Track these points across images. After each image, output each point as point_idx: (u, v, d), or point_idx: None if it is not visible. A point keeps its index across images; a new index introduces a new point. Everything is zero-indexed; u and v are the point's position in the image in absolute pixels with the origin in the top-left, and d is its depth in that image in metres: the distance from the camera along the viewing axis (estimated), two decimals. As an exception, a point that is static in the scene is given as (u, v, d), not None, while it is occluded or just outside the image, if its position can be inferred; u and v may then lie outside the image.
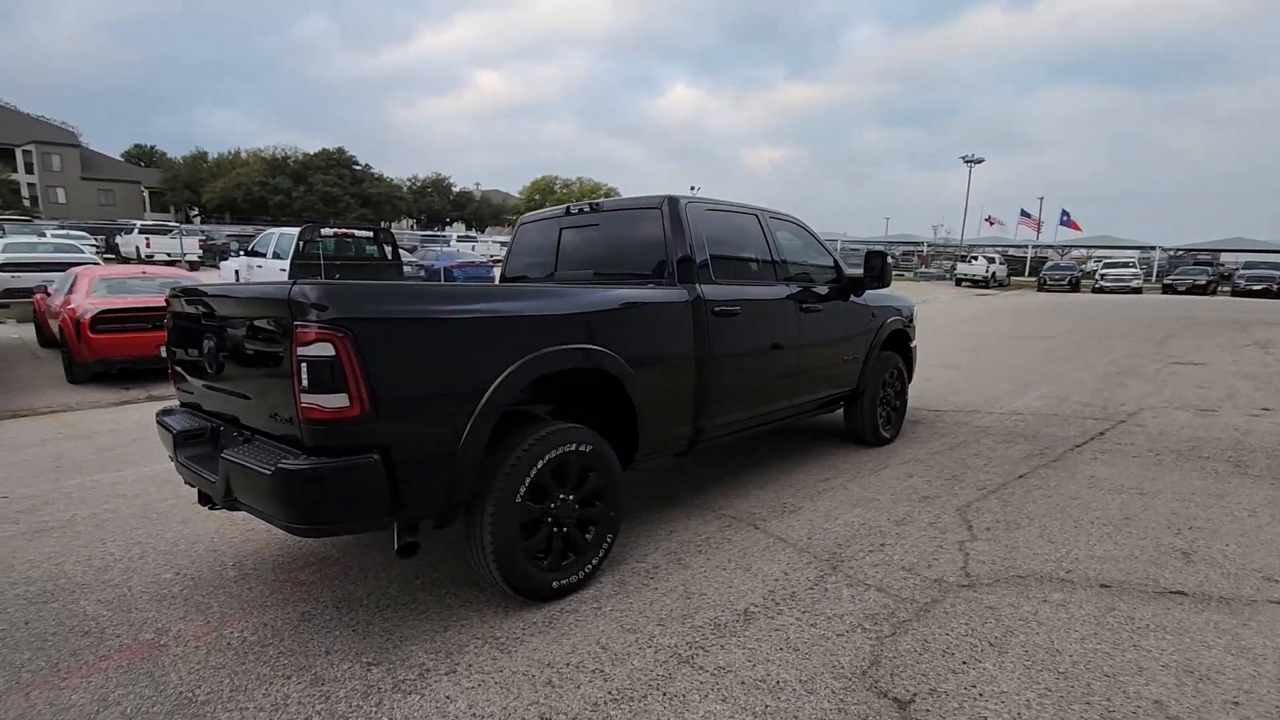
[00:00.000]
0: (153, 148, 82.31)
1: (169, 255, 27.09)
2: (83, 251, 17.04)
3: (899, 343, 6.21)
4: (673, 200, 4.11)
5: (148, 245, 28.01)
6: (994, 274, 36.74)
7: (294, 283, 2.44)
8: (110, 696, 2.49)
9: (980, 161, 46.10)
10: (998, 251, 42.16)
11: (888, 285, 5.42)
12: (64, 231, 28.56)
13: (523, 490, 2.95)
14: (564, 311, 3.22)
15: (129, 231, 30.62)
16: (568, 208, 4.70)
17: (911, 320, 6.31)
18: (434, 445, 2.66)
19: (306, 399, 2.39)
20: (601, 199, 4.66)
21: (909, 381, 6.40)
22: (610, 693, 2.49)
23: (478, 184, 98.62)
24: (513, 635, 2.90)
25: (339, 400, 2.39)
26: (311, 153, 62.54)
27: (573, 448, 3.17)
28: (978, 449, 5.77)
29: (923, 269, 45.29)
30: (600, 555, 3.36)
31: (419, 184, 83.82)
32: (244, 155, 69.63)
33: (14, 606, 3.18)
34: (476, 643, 2.84)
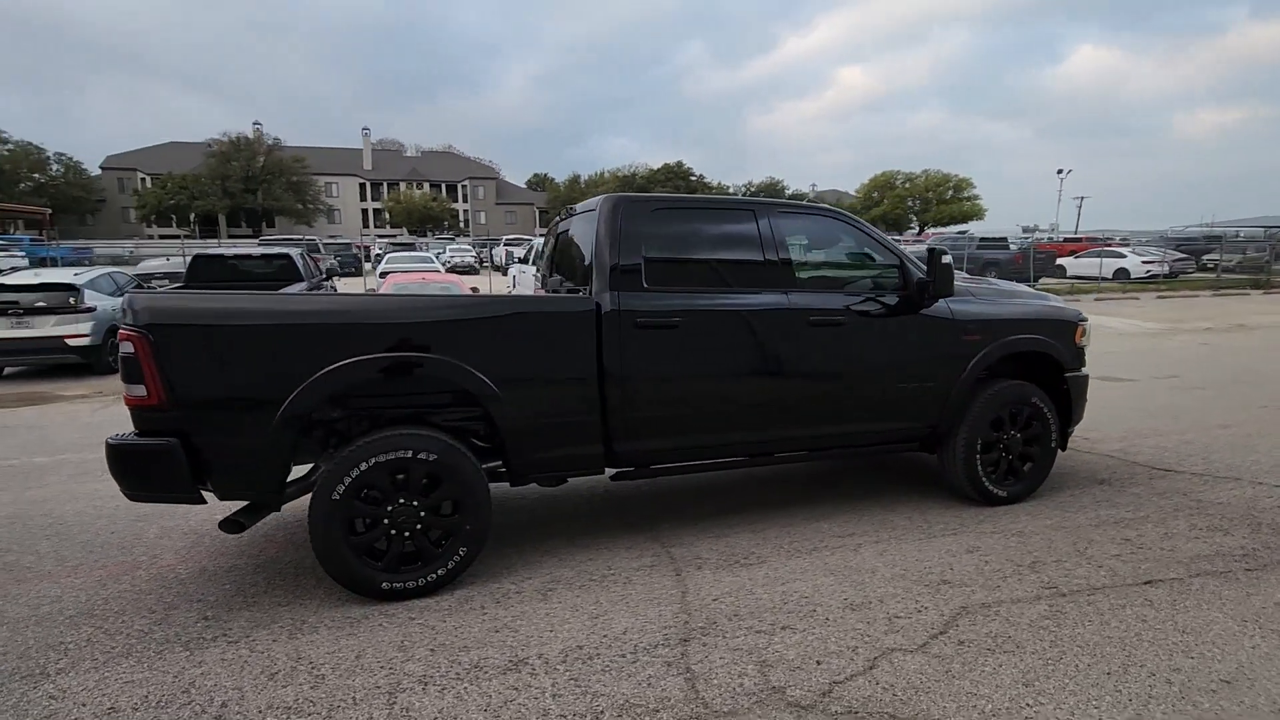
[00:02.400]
0: (546, 174, 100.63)
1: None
2: (432, 260, 22.05)
3: (1039, 371, 4.60)
4: (610, 200, 3.76)
5: (505, 254, 34.86)
6: None
7: (130, 291, 2.99)
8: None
9: None
10: None
11: (947, 292, 4.07)
12: (456, 245, 37.11)
13: (341, 489, 3.09)
14: (392, 321, 3.24)
15: (498, 244, 38.59)
16: (562, 210, 4.60)
17: (1070, 339, 4.59)
18: (235, 438, 2.98)
19: (125, 389, 2.91)
20: (577, 204, 4.43)
21: (1071, 424, 4.68)
22: (292, 704, 2.51)
23: (813, 185, 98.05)
24: (313, 623, 3.07)
25: (140, 390, 2.87)
26: (655, 167, 69.56)
27: (410, 454, 3.19)
28: (1142, 530, 3.98)
29: None
30: (450, 566, 3.31)
31: (752, 189, 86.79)
32: (606, 175, 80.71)
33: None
34: (285, 621, 3.09)
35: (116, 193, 67.23)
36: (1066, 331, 4.57)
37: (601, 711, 2.41)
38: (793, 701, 2.45)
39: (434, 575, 3.29)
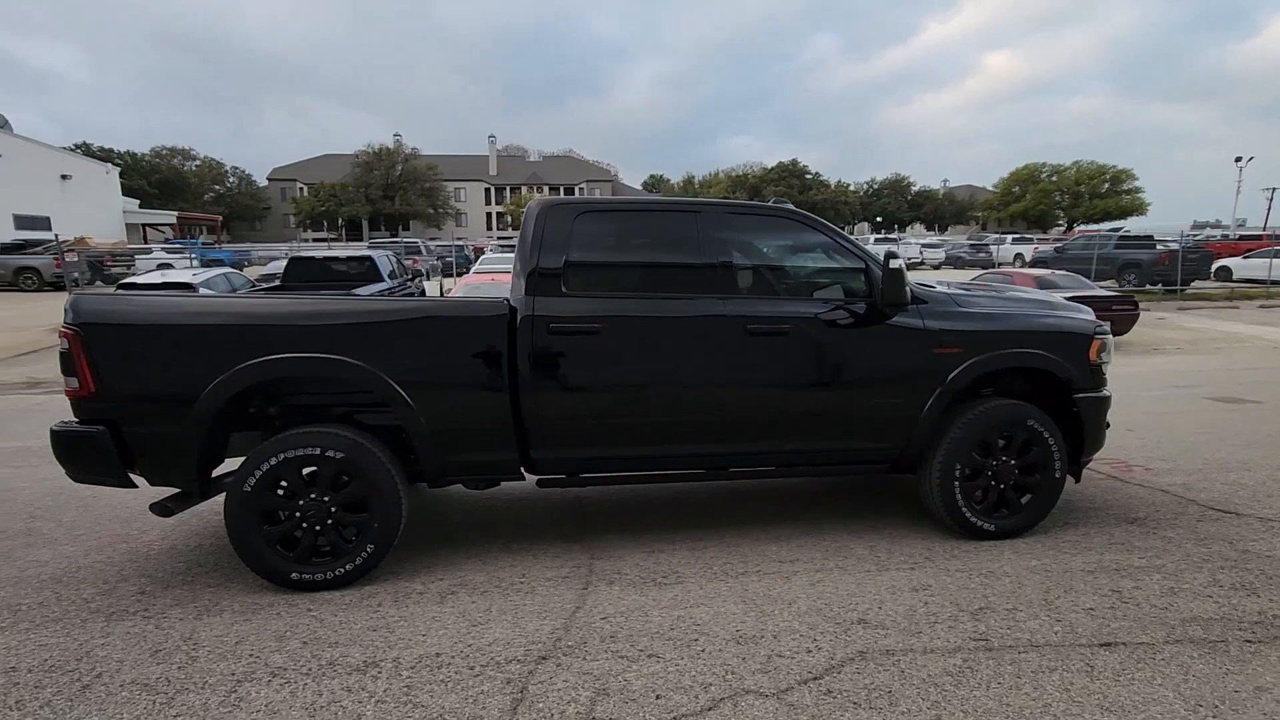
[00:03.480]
0: (662, 176, 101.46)
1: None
2: None
3: (1040, 390, 4.05)
4: (538, 204, 3.71)
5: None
6: None
7: (75, 293, 3.32)
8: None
9: None
10: None
11: (895, 300, 3.63)
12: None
13: (253, 481, 3.27)
14: (298, 324, 3.35)
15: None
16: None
17: (1081, 355, 3.99)
18: (156, 429, 3.24)
19: (64, 381, 3.24)
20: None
21: (1085, 452, 4.09)
22: (152, 682, 2.68)
23: (944, 181, 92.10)
24: (223, 606, 3.27)
25: (73, 382, 3.18)
26: (769, 166, 68.19)
27: (319, 451, 3.32)
28: (1143, 582, 3.40)
29: None
30: (357, 562, 3.41)
31: (875, 186, 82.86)
32: (721, 175, 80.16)
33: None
34: (202, 602, 3.31)
35: (279, 200, 75.21)
36: (1074, 347, 3.98)
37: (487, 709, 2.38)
38: (603, 736, 2.31)
39: (342, 570, 3.40)
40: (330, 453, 3.33)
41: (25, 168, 31.85)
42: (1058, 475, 3.97)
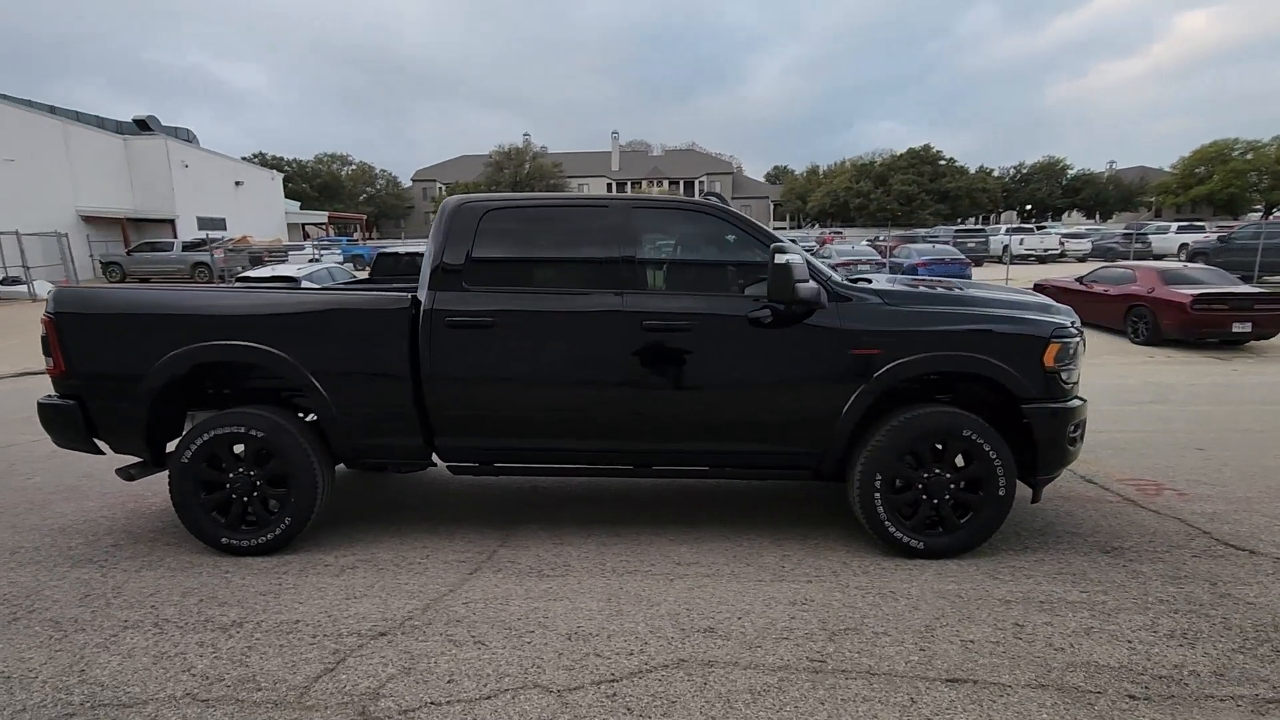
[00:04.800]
0: (785, 166, 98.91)
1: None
2: None
3: (989, 398, 3.67)
4: (449, 201, 3.86)
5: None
6: None
7: (55, 286, 3.88)
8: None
9: None
10: None
11: (780, 298, 3.38)
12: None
13: (189, 454, 3.70)
14: (226, 314, 3.70)
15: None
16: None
17: (1032, 360, 3.55)
18: (113, 404, 3.73)
19: (45, 361, 3.81)
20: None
21: (1042, 469, 3.66)
22: (60, 619, 3.13)
23: (1111, 163, 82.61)
24: (166, 563, 3.71)
25: (50, 362, 3.74)
26: (899, 153, 64.39)
27: (244, 430, 3.69)
28: (1061, 619, 3.02)
29: None
30: (276, 533, 3.74)
31: (1024, 171, 75.81)
32: (847, 164, 76.80)
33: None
34: (153, 557, 3.78)
35: (421, 200, 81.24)
36: (1023, 351, 3.55)
37: (219, 679, 2.63)
38: (374, 716, 2.43)
39: (263, 539, 3.75)
40: (253, 432, 3.69)
41: (207, 176, 36.69)
42: (1001, 493, 3.58)
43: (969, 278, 19.71)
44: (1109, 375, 9.43)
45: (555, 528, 4.15)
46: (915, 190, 59.81)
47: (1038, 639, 2.86)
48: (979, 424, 3.54)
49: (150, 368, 3.66)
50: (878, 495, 3.61)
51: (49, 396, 3.85)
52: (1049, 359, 3.55)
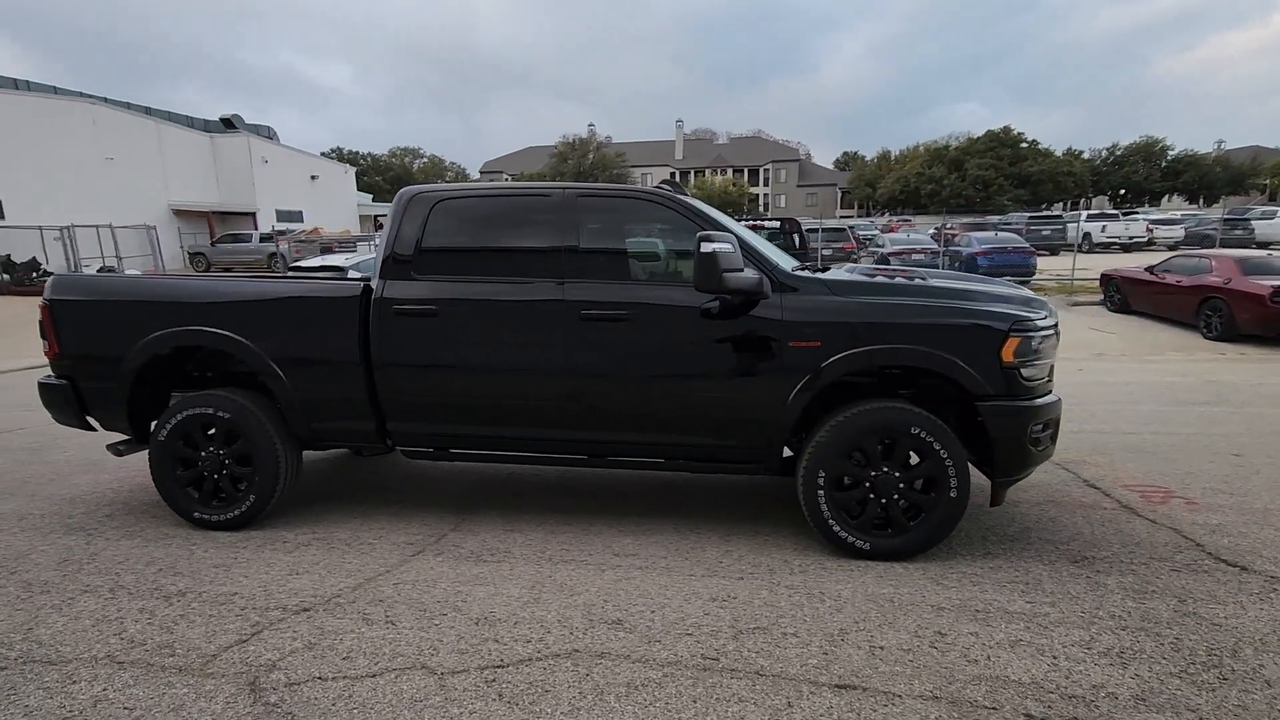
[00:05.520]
0: (855, 152, 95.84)
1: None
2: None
3: (945, 393, 3.50)
4: (402, 193, 3.94)
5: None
6: None
7: (53, 275, 4.19)
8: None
9: None
10: None
11: (705, 287, 3.27)
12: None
13: (165, 432, 3.94)
14: (195, 301, 3.90)
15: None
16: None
17: (988, 353, 3.33)
18: (98, 384, 4.01)
19: (43, 344, 4.13)
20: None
21: (1000, 472, 3.45)
22: (34, 582, 3.40)
23: (1218, 143, 76.24)
24: (146, 533, 3.97)
25: (46, 345, 4.05)
26: (975, 136, 61.29)
27: (213, 412, 3.91)
28: (990, 630, 2.85)
29: None
30: (243, 509, 3.95)
31: (1118, 152, 70.78)
32: (920, 149, 73.75)
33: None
34: (137, 528, 4.06)
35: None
36: (975, 343, 3.33)
37: (142, 643, 2.80)
38: (263, 689, 2.54)
39: (230, 515, 3.96)
40: (220, 414, 3.90)
41: (285, 171, 38.70)
42: (953, 494, 3.39)
43: (1032, 267, 18.64)
44: (1165, 373, 8.77)
45: (511, 514, 4.21)
46: (993, 175, 56.80)
47: (955, 649, 2.70)
48: (929, 421, 3.36)
49: (129, 350, 3.92)
50: (821, 492, 3.49)
51: (47, 377, 4.18)
52: (1007, 353, 3.32)
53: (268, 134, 40.64)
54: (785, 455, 3.72)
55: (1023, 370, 3.36)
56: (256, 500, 3.95)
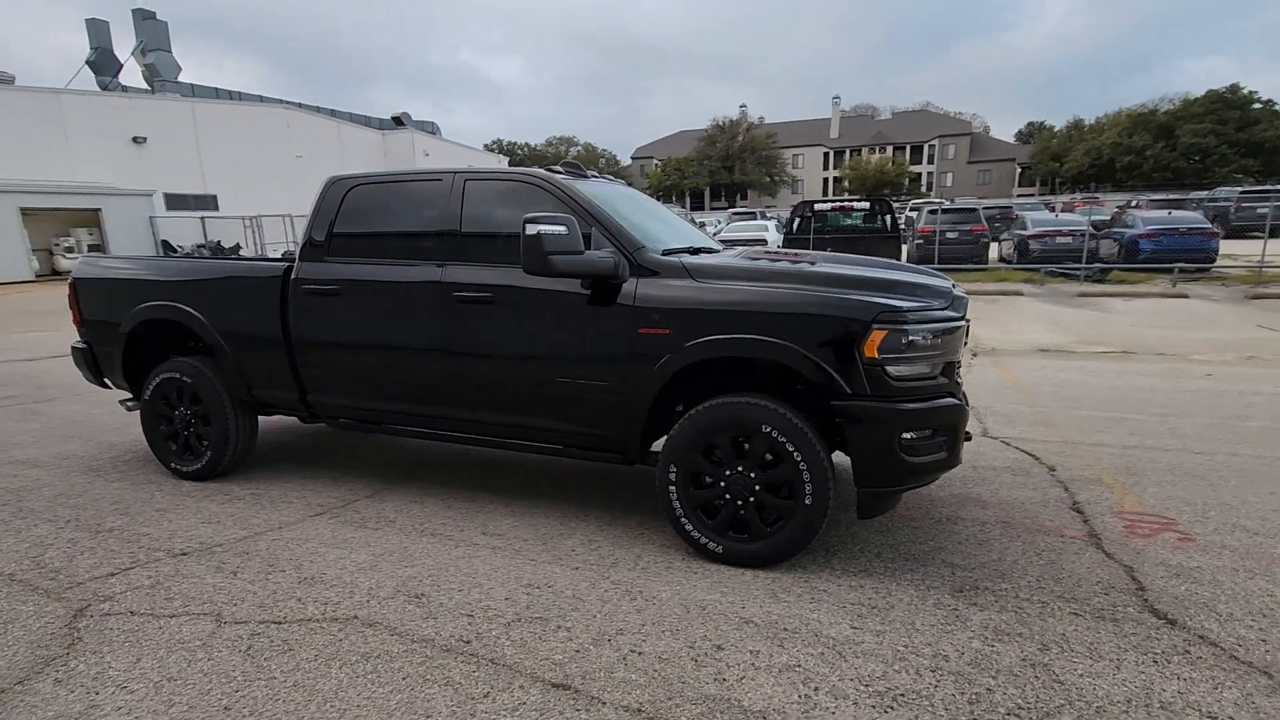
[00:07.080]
0: (1043, 122, 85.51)
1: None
2: (767, 228, 21.88)
3: (800, 388, 3.18)
4: (327, 180, 4.20)
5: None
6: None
7: (82, 259, 4.98)
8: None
9: None
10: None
11: (531, 269, 3.11)
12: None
13: (147, 393, 4.59)
14: (165, 279, 4.45)
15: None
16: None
17: (848, 346, 2.94)
18: (104, 348, 4.74)
19: (71, 313, 4.94)
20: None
21: (871, 480, 3.07)
22: (31, 510, 4.13)
23: None
24: (137, 479, 4.66)
25: (73, 315, 4.86)
26: (1194, 97, 52.19)
27: (176, 376, 4.49)
28: (773, 652, 2.59)
29: None
30: (203, 462, 4.50)
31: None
32: (1123, 114, 64.37)
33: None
34: (128, 470, 4.78)
35: (639, 176, 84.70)
36: (829, 335, 2.95)
37: (38, 566, 3.33)
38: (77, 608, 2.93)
39: (195, 467, 4.54)
40: (184, 378, 4.46)
41: (445, 161, 42.29)
42: (808, 501, 3.07)
43: (1212, 252, 15.73)
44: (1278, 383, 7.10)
45: (431, 488, 4.40)
46: (1212, 142, 48.13)
47: (714, 666, 2.48)
48: (782, 419, 3.06)
49: (121, 320, 4.60)
50: (673, 488, 3.31)
51: (77, 341, 5.01)
52: (869, 348, 2.93)
53: (431, 129, 44.52)
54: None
55: (889, 368, 2.94)
56: (213, 456, 4.49)
